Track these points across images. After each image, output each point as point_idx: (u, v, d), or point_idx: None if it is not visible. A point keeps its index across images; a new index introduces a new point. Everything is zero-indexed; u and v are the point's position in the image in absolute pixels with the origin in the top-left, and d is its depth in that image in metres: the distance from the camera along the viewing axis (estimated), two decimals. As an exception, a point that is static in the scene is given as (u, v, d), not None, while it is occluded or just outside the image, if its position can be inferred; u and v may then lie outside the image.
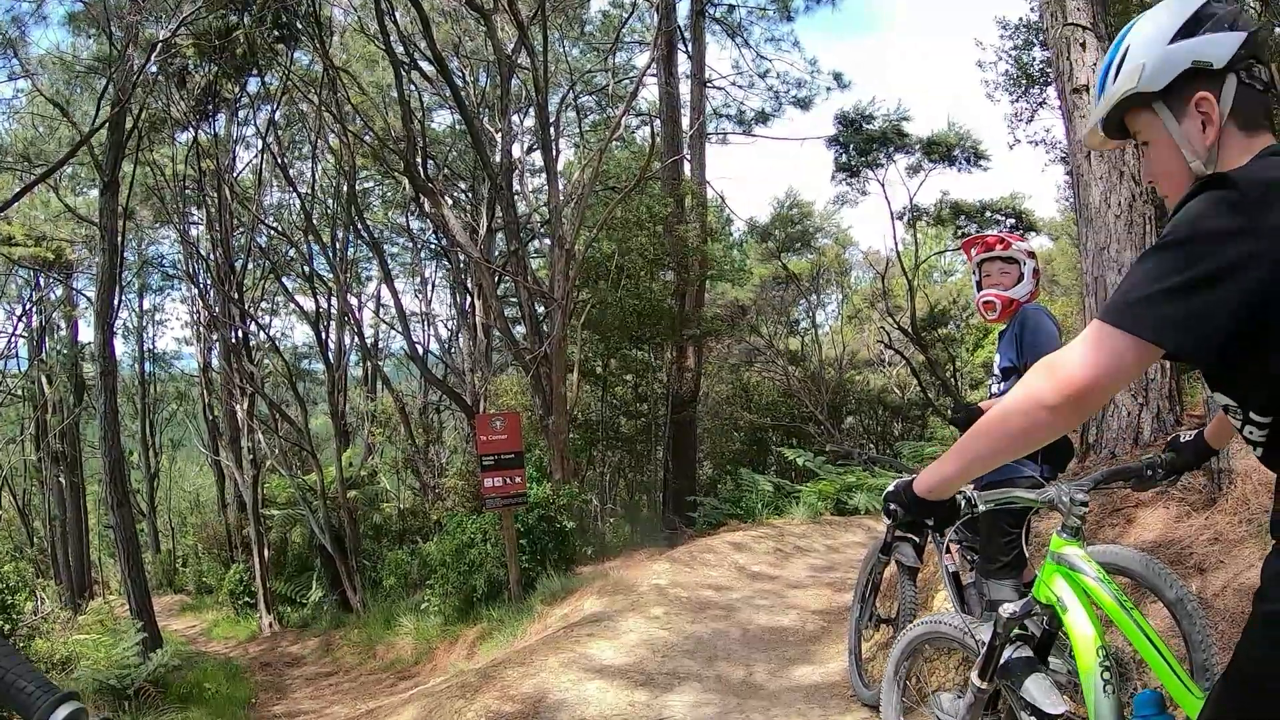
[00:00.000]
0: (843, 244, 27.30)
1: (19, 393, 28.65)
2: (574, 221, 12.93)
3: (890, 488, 2.01)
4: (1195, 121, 1.64)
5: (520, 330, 16.27)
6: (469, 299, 21.18)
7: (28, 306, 27.60)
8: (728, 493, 14.82)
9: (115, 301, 17.27)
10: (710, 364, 20.16)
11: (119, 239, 16.69)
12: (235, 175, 21.47)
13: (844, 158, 19.75)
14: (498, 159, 14.15)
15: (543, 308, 13.55)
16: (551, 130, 14.33)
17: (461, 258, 18.89)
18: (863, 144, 19.22)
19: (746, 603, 7.72)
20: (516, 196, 16.41)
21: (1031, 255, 4.44)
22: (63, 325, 28.38)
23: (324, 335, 20.83)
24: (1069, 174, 9.11)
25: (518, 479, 10.48)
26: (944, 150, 19.17)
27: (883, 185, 19.80)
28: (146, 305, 32.30)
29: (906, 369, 24.12)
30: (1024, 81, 16.38)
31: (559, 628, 7.82)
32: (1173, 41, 1.65)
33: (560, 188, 13.57)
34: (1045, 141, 17.54)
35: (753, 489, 13.82)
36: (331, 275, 21.19)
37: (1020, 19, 16.44)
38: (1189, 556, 4.01)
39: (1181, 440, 2.68)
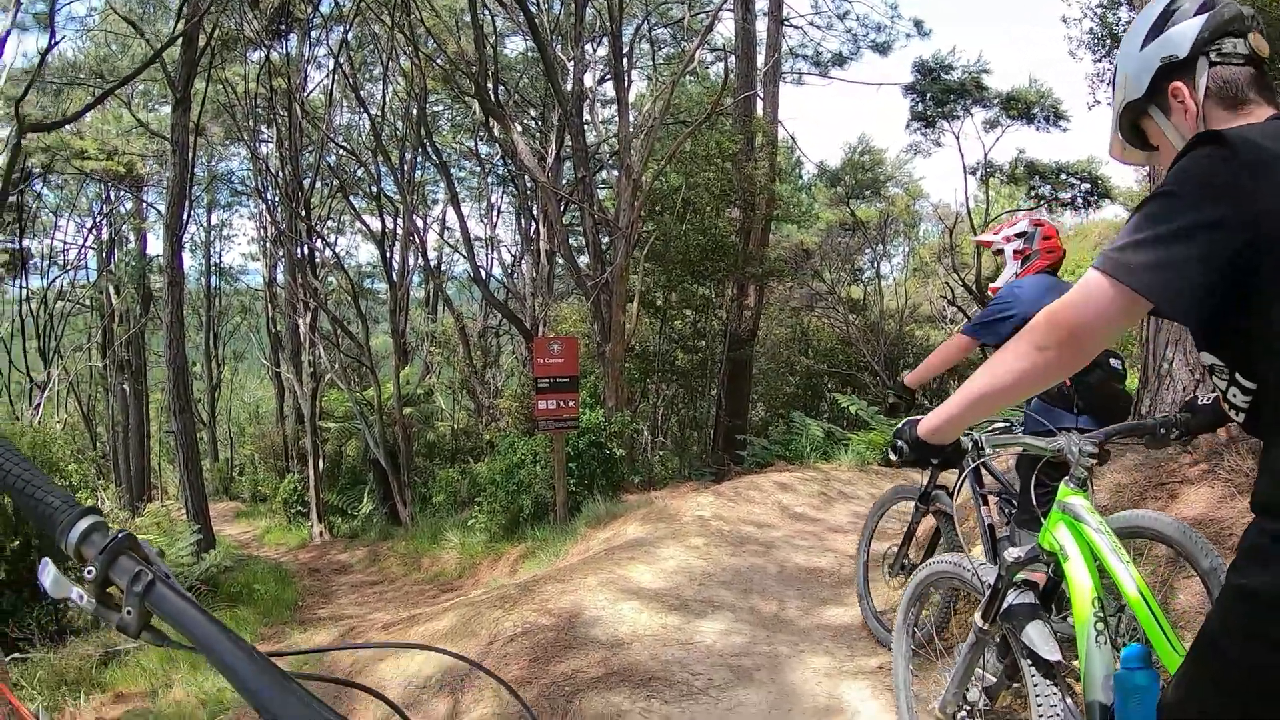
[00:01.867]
0: (913, 195, 26.74)
1: (87, 302, 29.35)
2: (643, 152, 12.86)
3: (899, 426, 2.06)
4: (1179, 113, 1.70)
5: (584, 259, 16.33)
6: (534, 225, 21.24)
7: (98, 219, 28.22)
8: (778, 435, 14.82)
9: (184, 215, 17.62)
10: (770, 305, 20.04)
11: (189, 154, 16.97)
12: (306, 95, 21.65)
13: (920, 107, 19.41)
14: (569, 87, 14.09)
15: (607, 237, 13.57)
16: (624, 60, 14.21)
17: (528, 183, 18.93)
18: (940, 94, 18.86)
19: (786, 541, 7.76)
20: (586, 126, 16.33)
21: (1018, 236, 4.34)
22: (131, 238, 28.93)
23: (388, 255, 21.13)
24: None
25: (571, 403, 10.60)
26: (1023, 107, 18.72)
27: (958, 138, 19.46)
28: (215, 220, 32.88)
29: (968, 325, 23.62)
30: (1108, 41, 15.85)
31: (600, 550, 7.95)
32: (1143, 47, 1.73)
33: (631, 119, 13.46)
34: None
35: (803, 432, 13.80)
36: (398, 196, 21.37)
37: None
38: (1228, 537, 3.95)
39: (1200, 402, 2.67)
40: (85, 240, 28.70)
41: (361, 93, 20.35)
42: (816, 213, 23.12)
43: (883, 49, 20.41)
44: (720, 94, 13.27)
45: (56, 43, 16.25)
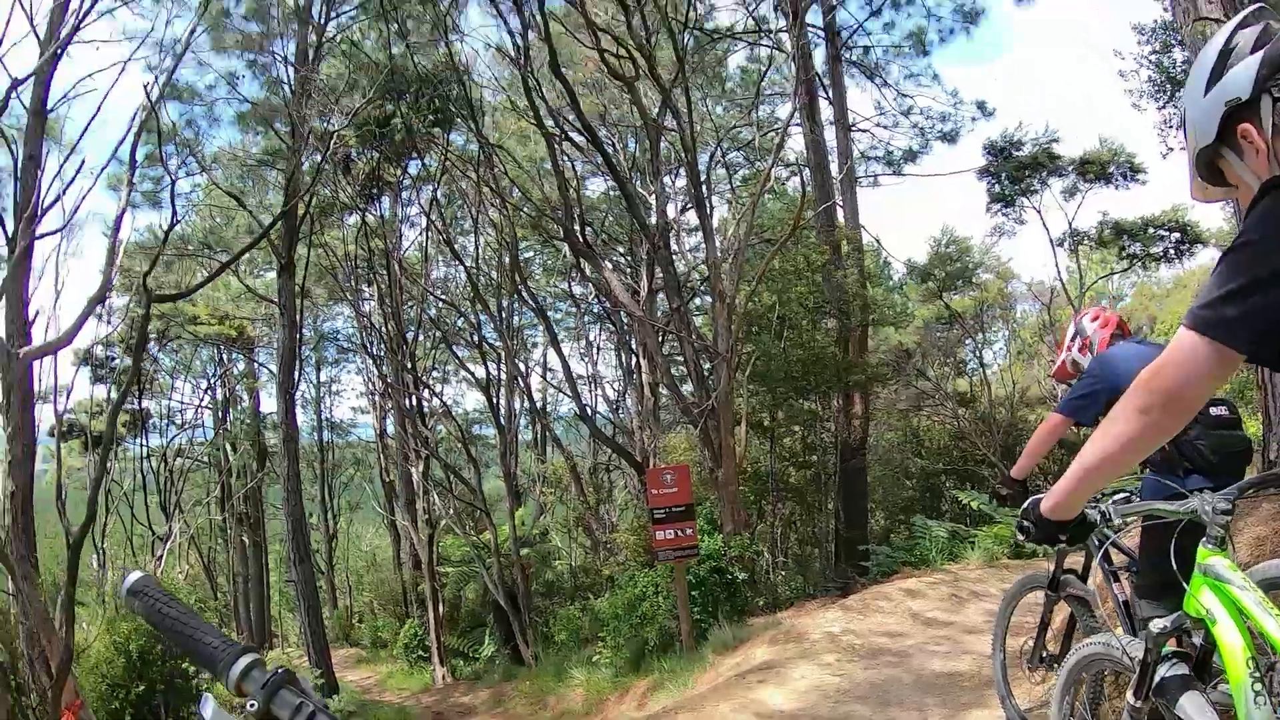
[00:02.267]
0: (1004, 278, 26.44)
1: (205, 459, 30.52)
2: (732, 275, 13.06)
3: (1024, 507, 2.08)
4: (1251, 153, 1.67)
5: (687, 387, 16.46)
6: (634, 359, 21.60)
7: (212, 380, 29.64)
8: (900, 541, 14.48)
9: (295, 374, 18.45)
10: (878, 410, 19.80)
11: (297, 316, 17.90)
12: (403, 252, 22.68)
13: (996, 188, 19.29)
14: (653, 220, 14.48)
15: (708, 363, 13.71)
16: (703, 188, 14.59)
17: (625, 319, 19.31)
18: (1014, 171, 18.73)
19: (920, 649, 7.52)
20: (674, 255, 16.71)
21: (1074, 339, 4.64)
22: (245, 397, 30.28)
23: (494, 400, 21.60)
24: None
25: (689, 531, 10.56)
26: (1098, 168, 18.48)
27: (1039, 211, 19.23)
28: (324, 377, 34.35)
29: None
30: (1168, 86, 15.70)
31: (730, 676, 7.79)
32: (1206, 92, 1.71)
33: (716, 243, 13.74)
34: None
35: (926, 535, 13.44)
36: (500, 342, 21.97)
37: (1155, 21, 15.84)
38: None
39: None
40: (201, 400, 30.07)
41: (455, 246, 21.22)
42: (911, 311, 22.99)
43: (950, 138, 20.55)
44: (800, 209, 13.49)
45: (178, 221, 17.47)
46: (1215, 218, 24.23)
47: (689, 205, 16.12)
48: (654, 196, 14.87)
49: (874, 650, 7.52)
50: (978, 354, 25.60)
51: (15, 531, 12.15)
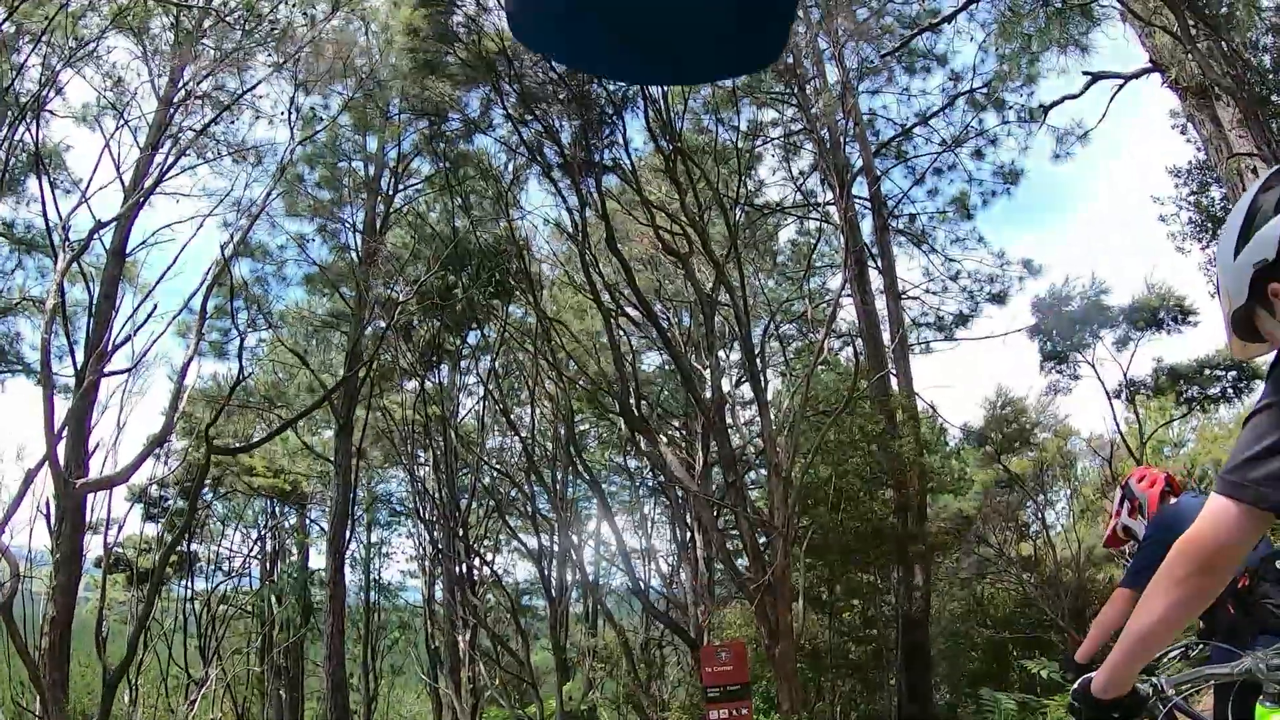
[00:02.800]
0: (1063, 436, 26.03)
1: (249, 608, 30.25)
2: (788, 449, 13.04)
3: (1073, 688, 2.08)
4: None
5: (742, 561, 16.21)
6: (689, 533, 21.39)
7: (263, 531, 29.74)
8: (968, 716, 13.85)
9: (347, 533, 18.49)
10: (939, 580, 19.29)
11: (352, 476, 18.07)
12: (459, 420, 22.96)
13: (1048, 345, 19.23)
14: (708, 394, 14.60)
15: (764, 537, 13.53)
16: (757, 361, 14.73)
17: (680, 493, 19.25)
18: (1065, 327, 18.77)
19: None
20: (729, 429, 16.77)
21: (1124, 503, 4.74)
22: (294, 551, 30.42)
23: (546, 571, 21.36)
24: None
25: (744, 710, 10.24)
26: (1148, 315, 18.36)
27: (1093, 365, 19.01)
28: (374, 538, 34.01)
29: (1153, 557, 22.28)
30: (1209, 225, 15.81)
31: None
32: (1236, 256, 1.80)
33: (771, 416, 13.78)
34: None
35: (995, 709, 12.81)
36: (553, 513, 21.90)
37: (1190, 162, 16.04)
38: None
39: None
40: (250, 550, 30.04)
41: (511, 416, 21.49)
42: (970, 477, 22.65)
43: (1000, 299, 20.77)
44: (854, 379, 13.58)
45: (246, 377, 18.04)
46: (1269, 355, 23.75)
47: (743, 379, 16.27)
48: (709, 370, 15.03)
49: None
50: (1040, 516, 24.98)
51: (51, 656, 12.12)
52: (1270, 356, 1.79)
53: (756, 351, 15.25)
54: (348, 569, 26.38)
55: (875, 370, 16.88)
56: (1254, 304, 1.80)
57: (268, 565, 29.80)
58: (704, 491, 14.87)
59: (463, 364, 23.96)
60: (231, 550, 30.55)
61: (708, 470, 18.06)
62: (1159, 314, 18.41)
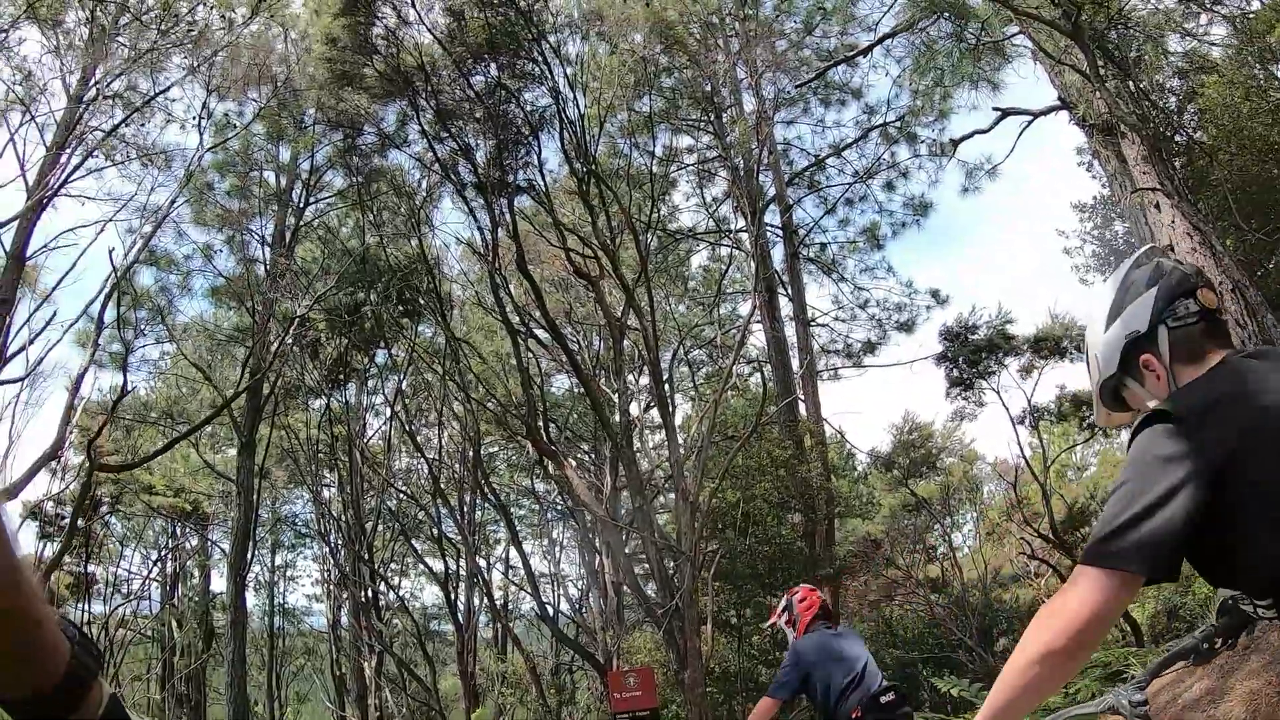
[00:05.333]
0: (969, 460, 26.60)
1: (148, 633, 29.13)
2: (696, 473, 12.99)
3: None
4: (1151, 379, 1.89)
5: (651, 586, 16.10)
6: (598, 558, 21.19)
7: (163, 553, 28.55)
8: (878, 739, 13.88)
9: (249, 555, 17.88)
10: (848, 602, 19.44)
11: (254, 496, 17.48)
12: (365, 441, 22.41)
13: (955, 372, 19.45)
14: (616, 418, 14.49)
15: (672, 562, 13.44)
16: (665, 386, 14.69)
17: (588, 517, 19.10)
18: (971, 355, 18.94)
19: None
20: (638, 454, 16.68)
21: (783, 612, 5.54)
22: (196, 573, 29.26)
23: (453, 596, 20.92)
24: None
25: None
26: (1052, 344, 18.78)
27: (998, 392, 19.33)
28: (279, 561, 33.02)
29: (1054, 576, 22.85)
30: (1112, 259, 16.37)
31: None
32: (1107, 329, 1.95)
33: (680, 441, 13.73)
34: None
35: (905, 728, 12.90)
36: (460, 537, 21.54)
37: (1094, 197, 16.56)
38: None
39: (1230, 603, 2.57)
40: (150, 572, 28.86)
41: (418, 438, 21.05)
42: (877, 501, 22.94)
43: (907, 327, 21.07)
44: (763, 404, 13.57)
45: (130, 391, 17.29)
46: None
47: (652, 404, 16.18)
48: (617, 394, 14.94)
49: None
50: (947, 538, 25.42)
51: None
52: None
53: (665, 376, 15.21)
54: (251, 593, 25.59)
55: (783, 396, 16.98)
56: (1123, 375, 1.93)
57: (168, 588, 28.64)
58: (611, 516, 14.72)
59: (370, 384, 23.43)
60: (131, 572, 29.40)
61: (616, 495, 17.94)
62: (1062, 343, 18.85)
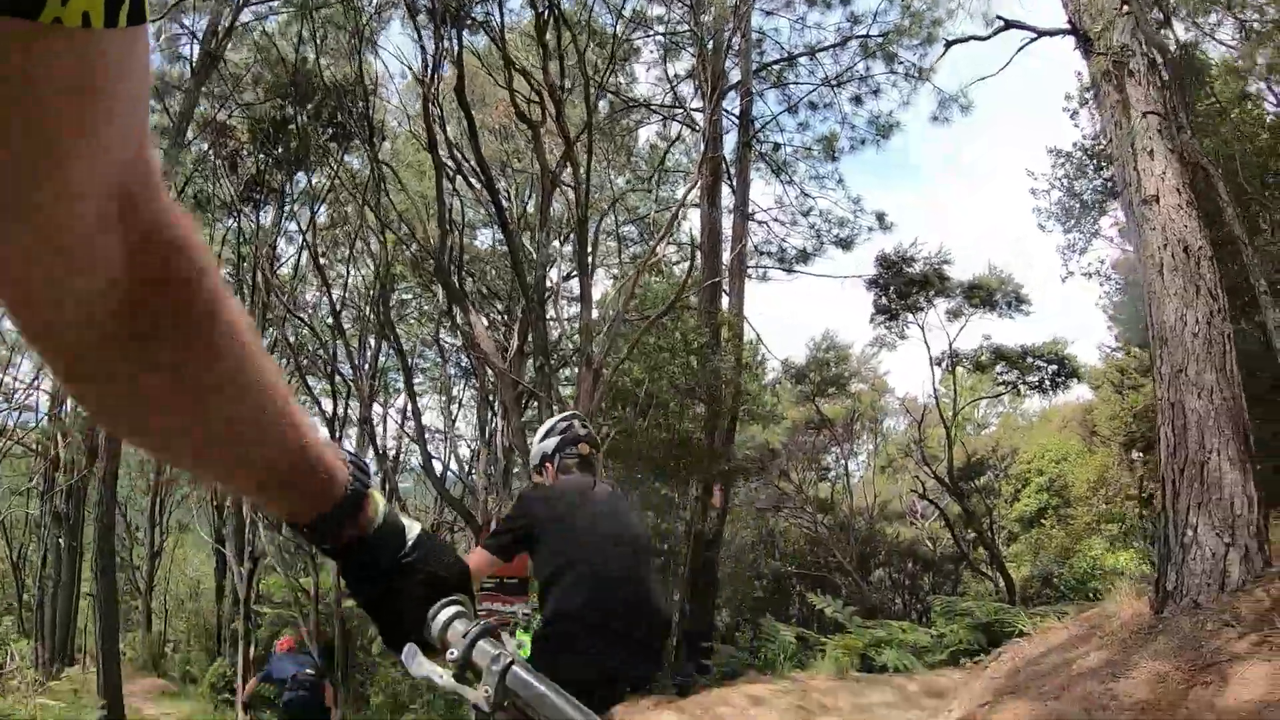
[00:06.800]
0: (879, 390, 26.67)
1: (33, 446, 28.16)
2: (605, 344, 12.43)
3: None
4: (549, 474, 3.81)
5: (541, 454, 15.57)
6: (494, 418, 20.58)
7: None
8: (746, 642, 13.83)
9: None
10: (736, 506, 19.32)
11: None
12: (275, 268, 21.31)
13: (884, 300, 19.40)
14: (533, 277, 13.77)
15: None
16: (589, 247, 14.01)
17: (489, 376, 18.45)
18: (903, 286, 18.93)
19: (760, 771, 6.82)
20: (551, 322, 16.11)
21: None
22: None
23: (339, 439, 20.14)
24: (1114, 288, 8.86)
25: (518, 608, 9.64)
26: (984, 295, 18.83)
27: (922, 329, 19.40)
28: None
29: (940, 522, 23.17)
30: (1077, 210, 16.18)
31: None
32: (540, 441, 3.89)
33: (594, 310, 13.12)
34: (1099, 274, 17.22)
35: (774, 639, 12.77)
36: (356, 380, 20.79)
37: (1075, 144, 16.27)
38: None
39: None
40: (37, 380, 27.67)
41: (326, 271, 20.09)
42: (782, 411, 22.80)
43: (846, 244, 20.63)
44: (685, 282, 12.98)
45: None
46: (1092, 355, 25.10)
47: (573, 273, 15.47)
48: (537, 249, 14.16)
49: (708, 765, 6.76)
50: (843, 462, 25.53)
51: None
52: None
53: (591, 240, 14.48)
54: None
55: (708, 278, 16.46)
56: (540, 467, 3.88)
57: (56, 399, 27.25)
58: (510, 373, 14.05)
59: (286, 208, 22.04)
60: (17, 380, 27.74)
61: (522, 359, 17.15)
62: (995, 295, 18.87)
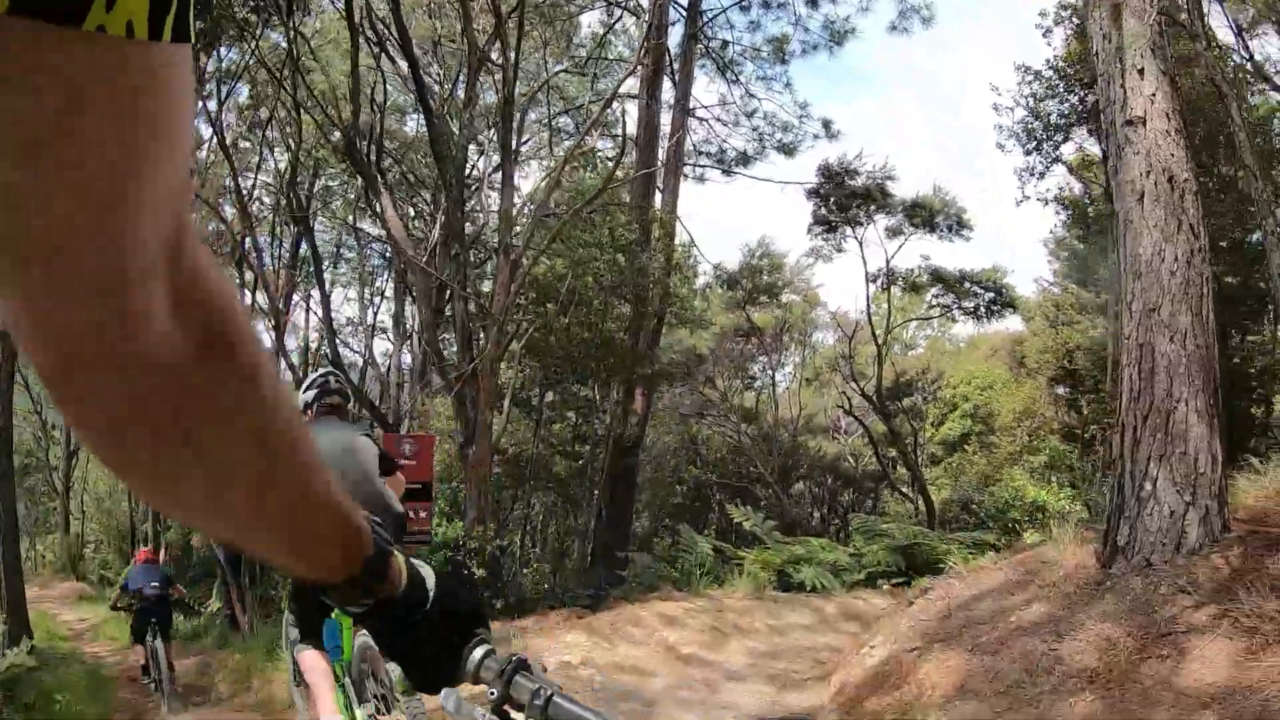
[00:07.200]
0: (811, 303, 26.25)
1: None
2: (526, 234, 11.59)
3: None
4: (308, 420, 4.48)
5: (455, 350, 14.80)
6: (410, 311, 19.67)
7: None
8: (663, 551, 13.42)
9: None
10: (659, 411, 18.82)
11: None
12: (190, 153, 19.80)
13: (823, 211, 19.02)
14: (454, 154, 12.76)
15: (481, 325, 12.11)
16: (516, 137, 13.05)
17: (410, 272, 17.49)
18: (844, 198, 18.55)
19: (671, 695, 6.36)
20: (477, 214, 15.11)
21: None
22: None
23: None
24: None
25: (424, 514, 9.00)
26: (926, 215, 18.56)
27: (860, 244, 19.11)
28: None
29: (863, 439, 23.12)
30: (1040, 133, 15.72)
31: (434, 706, 6.35)
32: (303, 393, 4.74)
33: (516, 197, 12.22)
34: (1057, 200, 16.93)
35: (692, 549, 12.33)
36: (270, 269, 19.64)
37: (1046, 61, 15.76)
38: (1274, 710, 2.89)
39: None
40: None
41: (231, 156, 18.73)
42: (710, 317, 22.33)
43: (789, 150, 20.02)
44: (615, 168, 12.11)
45: None
46: (1029, 288, 25.17)
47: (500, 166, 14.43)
48: (460, 129, 13.08)
49: (616, 693, 6.30)
50: (770, 372, 25.24)
51: None
52: None
53: (518, 126, 13.48)
54: None
55: (643, 182, 15.63)
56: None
57: None
58: (418, 259, 13.05)
59: (205, 87, 20.45)
60: None
61: (447, 252, 16.06)
62: (936, 217, 18.55)
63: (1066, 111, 15.86)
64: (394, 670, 3.99)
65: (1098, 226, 16.18)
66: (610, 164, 18.00)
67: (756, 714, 5.80)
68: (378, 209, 14.56)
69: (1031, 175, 16.85)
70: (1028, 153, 16.57)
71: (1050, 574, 5.85)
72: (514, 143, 12.78)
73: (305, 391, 4.66)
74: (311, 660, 4.12)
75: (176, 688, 10.91)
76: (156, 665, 10.87)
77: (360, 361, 25.28)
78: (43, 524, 36.46)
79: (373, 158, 13.55)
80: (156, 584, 10.72)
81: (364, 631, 3.88)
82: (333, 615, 3.98)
